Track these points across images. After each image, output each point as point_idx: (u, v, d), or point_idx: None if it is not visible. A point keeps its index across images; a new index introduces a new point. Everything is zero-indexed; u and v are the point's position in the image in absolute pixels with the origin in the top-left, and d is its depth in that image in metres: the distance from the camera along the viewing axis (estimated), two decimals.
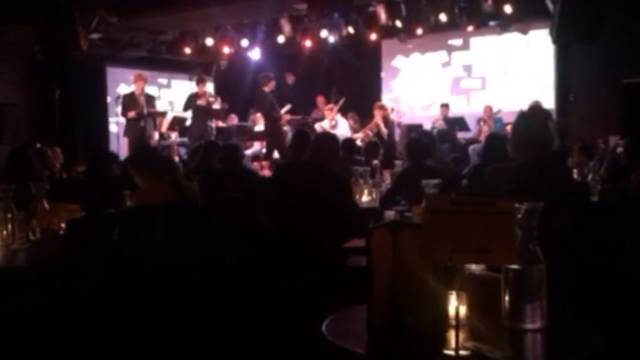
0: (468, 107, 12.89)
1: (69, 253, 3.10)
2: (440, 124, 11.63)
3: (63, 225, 3.44)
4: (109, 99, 13.01)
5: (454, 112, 12.10)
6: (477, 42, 12.99)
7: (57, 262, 3.08)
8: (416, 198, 3.34)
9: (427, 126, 11.62)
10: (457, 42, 13.17)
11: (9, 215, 3.31)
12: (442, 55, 13.52)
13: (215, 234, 3.95)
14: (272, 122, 10.70)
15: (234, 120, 12.52)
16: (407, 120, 12.37)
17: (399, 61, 13.97)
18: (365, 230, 1.94)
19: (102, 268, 3.21)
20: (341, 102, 11.47)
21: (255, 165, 10.87)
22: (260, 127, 11.63)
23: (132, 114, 10.28)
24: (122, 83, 12.97)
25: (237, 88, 12.89)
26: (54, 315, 2.96)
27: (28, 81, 12.11)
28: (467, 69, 13.28)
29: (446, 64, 13.51)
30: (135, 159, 6.58)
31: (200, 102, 10.88)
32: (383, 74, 14.09)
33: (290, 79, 11.17)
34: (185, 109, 11.26)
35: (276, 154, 10.73)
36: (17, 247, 3.32)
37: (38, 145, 8.00)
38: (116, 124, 12.56)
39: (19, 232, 3.36)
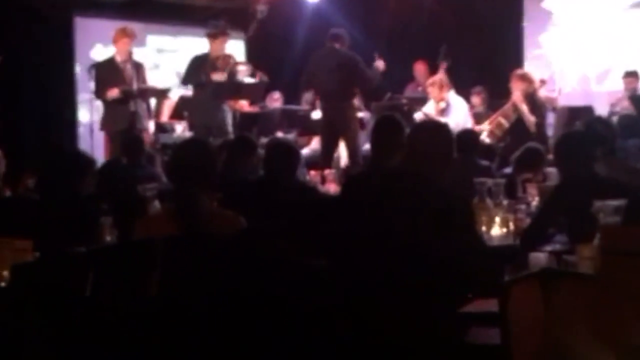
0: None
1: (15, 319, 2.41)
2: (624, 106, 8.34)
3: (6, 273, 2.73)
4: (77, 69, 9.59)
5: None
6: None
7: None
8: (582, 231, 2.79)
9: (603, 109, 8.22)
10: None
11: None
12: None
13: (242, 284, 2.88)
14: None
15: (277, 101, 9.17)
16: (566, 100, 8.87)
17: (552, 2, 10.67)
18: (498, 283, 1.34)
19: (67, 341, 2.50)
20: (443, 68, 7.98)
21: (314, 174, 8.49)
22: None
23: (113, 92, 7.31)
24: (97, 43, 9.59)
25: (281, 51, 9.45)
26: None
27: None
28: None
29: (636, 5, 9.89)
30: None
31: (213, 71, 7.58)
32: (526, 24, 10.46)
33: (380, 65, 7.85)
34: (187, 81, 7.89)
35: (344, 158, 7.92)
36: None
37: None
38: (88, 107, 9.12)
39: None
